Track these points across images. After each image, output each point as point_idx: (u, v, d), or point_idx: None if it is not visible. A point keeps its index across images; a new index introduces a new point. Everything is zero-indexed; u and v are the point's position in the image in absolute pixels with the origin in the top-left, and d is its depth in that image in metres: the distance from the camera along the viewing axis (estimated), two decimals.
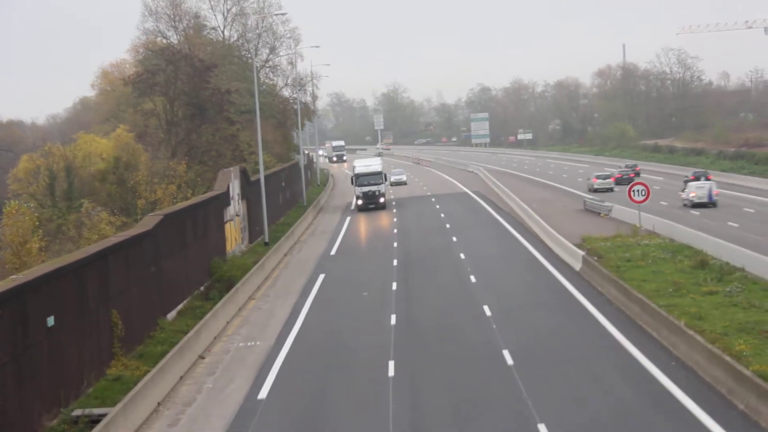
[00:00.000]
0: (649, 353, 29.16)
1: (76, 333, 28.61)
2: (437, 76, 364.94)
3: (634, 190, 52.41)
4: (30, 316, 25.41)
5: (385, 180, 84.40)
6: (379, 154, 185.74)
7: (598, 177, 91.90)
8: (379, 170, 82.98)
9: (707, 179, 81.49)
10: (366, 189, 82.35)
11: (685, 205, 71.36)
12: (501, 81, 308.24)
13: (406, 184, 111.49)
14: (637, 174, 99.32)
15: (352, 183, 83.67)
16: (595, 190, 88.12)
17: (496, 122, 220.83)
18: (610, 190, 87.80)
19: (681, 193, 74.20)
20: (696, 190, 71.80)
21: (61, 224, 55.54)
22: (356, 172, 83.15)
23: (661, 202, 72.10)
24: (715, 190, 71.98)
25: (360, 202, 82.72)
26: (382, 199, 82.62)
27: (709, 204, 70.32)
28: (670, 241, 49.52)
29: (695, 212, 65.74)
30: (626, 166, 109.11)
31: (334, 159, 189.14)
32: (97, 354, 30.29)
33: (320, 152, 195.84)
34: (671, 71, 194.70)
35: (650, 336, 31.20)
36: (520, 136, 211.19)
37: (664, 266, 42.09)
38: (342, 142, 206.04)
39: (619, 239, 50.99)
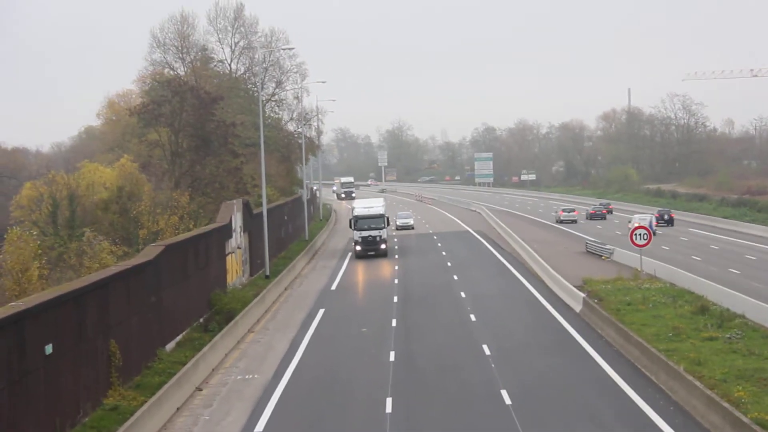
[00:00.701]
0: (647, 397, 29.07)
1: (73, 361, 28.54)
2: (442, 114, 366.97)
3: (636, 234, 52.41)
4: (28, 343, 25.36)
5: (388, 224, 76.25)
6: (383, 191, 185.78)
7: (564, 210, 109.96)
8: (382, 213, 75.02)
9: (670, 216, 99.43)
10: (366, 234, 74.18)
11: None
12: (506, 121, 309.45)
13: (413, 228, 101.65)
14: (610, 212, 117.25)
15: (351, 226, 75.64)
16: (561, 221, 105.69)
17: (499, 162, 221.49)
18: (574, 221, 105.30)
19: (628, 224, 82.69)
20: (639, 221, 78.13)
21: (62, 252, 55.57)
22: (355, 214, 75.32)
23: (663, 247, 72.10)
24: (654, 222, 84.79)
25: (358, 248, 74.36)
26: (383, 246, 74.32)
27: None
28: (671, 285, 49.48)
29: (696, 258, 65.70)
30: (600, 204, 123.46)
31: (343, 195, 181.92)
32: (94, 383, 30.20)
33: (333, 188, 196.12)
34: (676, 117, 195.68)
35: (649, 380, 31.11)
36: (523, 177, 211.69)
37: (664, 311, 42.03)
38: (351, 179, 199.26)
39: (620, 282, 50.96)
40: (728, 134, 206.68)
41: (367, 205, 77.22)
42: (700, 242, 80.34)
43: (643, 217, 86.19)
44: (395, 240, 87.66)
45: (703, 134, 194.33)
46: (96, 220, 61.01)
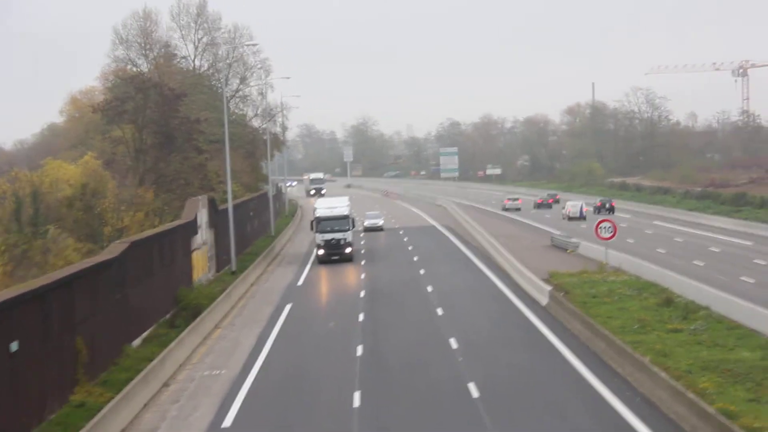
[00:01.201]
0: (614, 389, 29.26)
1: (39, 359, 28.35)
2: (407, 110, 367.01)
3: (601, 227, 52.69)
4: None
5: (354, 226, 69.61)
6: (348, 186, 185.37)
7: (509, 199, 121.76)
8: (346, 213, 67.80)
9: (611, 205, 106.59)
10: (329, 237, 67.02)
11: (563, 218, 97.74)
12: (471, 116, 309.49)
13: (383, 230, 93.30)
14: (556, 201, 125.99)
15: (312, 229, 68.70)
16: (506, 209, 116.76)
17: (465, 156, 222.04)
18: (518, 209, 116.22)
19: (562, 210, 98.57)
20: (571, 207, 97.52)
21: (26, 250, 55.08)
22: (317, 215, 67.95)
23: (628, 240, 72.61)
24: (585, 208, 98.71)
25: (321, 252, 67.31)
26: (348, 249, 67.38)
27: (580, 218, 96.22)
28: (637, 278, 49.81)
29: (661, 250, 66.21)
30: (548, 195, 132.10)
31: (312, 192, 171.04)
32: (60, 380, 30.01)
33: (291, 183, 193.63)
34: (639, 110, 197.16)
35: (615, 372, 31.32)
36: (488, 171, 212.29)
37: (629, 303, 42.31)
38: (321, 174, 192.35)
39: (586, 275, 51.24)
40: (691, 128, 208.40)
41: (330, 204, 70.11)
42: (665, 235, 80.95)
43: (575, 203, 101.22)
44: (361, 234, 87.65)
45: (667, 128, 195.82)
46: (60, 217, 60.53)
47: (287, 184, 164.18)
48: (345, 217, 67.53)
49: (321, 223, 67.34)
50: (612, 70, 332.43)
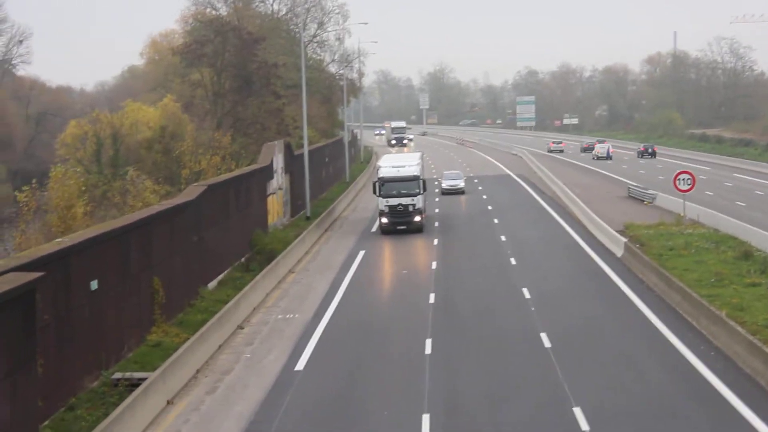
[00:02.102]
0: (688, 342, 28.98)
1: (118, 298, 28.94)
2: (485, 57, 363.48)
3: (679, 179, 51.84)
4: (73, 279, 25.73)
5: (425, 189, 57.61)
6: (424, 134, 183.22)
7: (553, 142, 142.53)
8: (416, 174, 56.54)
9: (653, 150, 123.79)
10: (394, 202, 55.80)
11: (593, 158, 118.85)
12: (549, 65, 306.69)
13: (464, 193, 78.74)
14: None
15: (375, 192, 56.83)
16: (551, 151, 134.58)
17: (542, 106, 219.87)
18: (561, 151, 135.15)
19: (591, 153, 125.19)
20: (599, 149, 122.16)
21: (106, 190, 56.08)
22: (381, 175, 56.67)
23: (706, 192, 71.51)
24: (611, 149, 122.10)
25: (384, 220, 55.99)
26: (417, 218, 55.90)
27: (607, 158, 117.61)
28: (714, 231, 49.08)
29: (741, 203, 65.05)
30: (597, 141, 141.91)
31: (393, 142, 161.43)
32: (137, 319, 30.63)
33: (380, 131, 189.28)
34: (723, 60, 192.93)
35: (690, 325, 31.00)
36: (565, 121, 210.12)
37: (707, 256, 41.73)
38: (403, 123, 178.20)
39: (663, 227, 50.63)
40: None
41: (398, 162, 59.03)
42: (745, 188, 79.49)
43: (602, 146, 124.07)
44: (435, 182, 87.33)
45: (751, 78, 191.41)
46: (139, 159, 61.45)
47: (375, 132, 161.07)
48: (415, 179, 56.13)
49: (385, 185, 55.95)
50: (695, 19, 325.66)
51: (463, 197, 76.21)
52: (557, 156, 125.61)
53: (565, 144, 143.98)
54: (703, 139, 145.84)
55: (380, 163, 59.96)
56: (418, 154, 63.95)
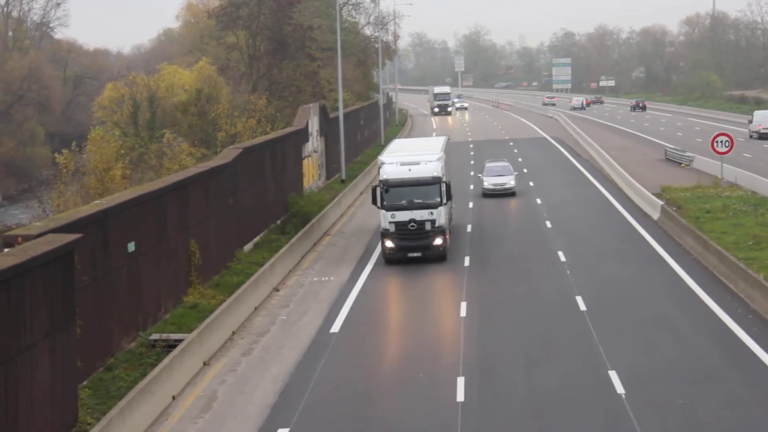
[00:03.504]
0: (725, 305, 28.84)
1: (155, 260, 29.18)
2: (520, 19, 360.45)
3: (717, 141, 51.30)
4: (111, 241, 25.95)
5: (449, 197, 39.36)
6: (459, 96, 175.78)
7: (547, 97, 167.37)
8: (436, 174, 38.36)
9: (643, 104, 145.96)
10: (404, 216, 37.68)
11: (570, 109, 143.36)
12: (585, 27, 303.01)
13: (515, 194, 54.54)
14: (600, 102, 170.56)
15: (374, 201, 38.59)
16: (545, 104, 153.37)
17: (578, 68, 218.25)
18: (554, 104, 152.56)
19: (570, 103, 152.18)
20: (575, 101, 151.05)
21: (143, 153, 56.33)
22: (384, 176, 38.55)
23: (744, 154, 70.79)
24: (586, 101, 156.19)
25: (390, 244, 37.80)
26: (438, 240, 37.65)
27: (582, 108, 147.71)
28: (753, 193, 48.67)
29: None
30: (594, 97, 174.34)
31: (436, 109, 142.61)
32: (174, 281, 30.87)
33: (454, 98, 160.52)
34: (763, 21, 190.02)
35: (727, 288, 30.83)
36: (602, 83, 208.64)
37: (744, 219, 41.42)
38: (447, 89, 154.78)
39: (700, 190, 50.26)
40: None
41: (409, 156, 39.86)
42: None
43: (578, 98, 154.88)
44: (470, 145, 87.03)
45: None
46: (175, 122, 61.60)
47: (435, 103, 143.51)
48: (435, 181, 37.99)
49: (390, 192, 37.81)
50: None
51: (495, 153, 73.07)
52: (593, 118, 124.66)
53: (558, 98, 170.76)
54: (741, 101, 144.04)
55: (383, 157, 40.11)
56: (441, 141, 44.70)
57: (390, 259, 37.93)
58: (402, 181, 37.84)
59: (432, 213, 37.46)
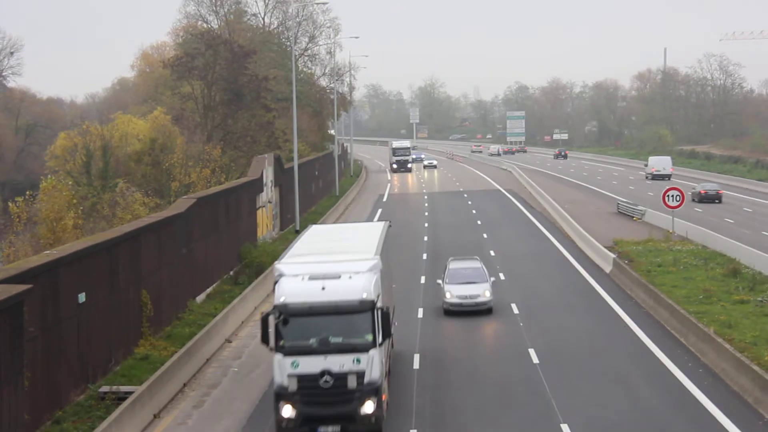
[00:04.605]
0: (676, 359, 29.04)
1: (106, 311, 28.86)
2: (475, 72, 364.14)
3: (668, 195, 51.99)
4: (61, 292, 25.65)
5: (385, 334, 24.05)
6: (413, 148, 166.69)
7: (474, 145, 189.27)
8: (365, 298, 23.65)
9: (565, 153, 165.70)
10: (312, 367, 23.26)
11: (490, 155, 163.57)
12: (539, 80, 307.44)
13: (491, 311, 37.12)
14: (523, 151, 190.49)
15: (264, 340, 23.71)
16: (473, 152, 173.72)
17: (532, 121, 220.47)
18: (480, 152, 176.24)
19: (489, 150, 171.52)
20: (492, 148, 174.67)
21: (95, 203, 55.89)
22: (280, 299, 23.70)
23: (695, 209, 71.67)
24: (503, 148, 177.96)
25: (288, 413, 23.13)
26: (368, 408, 23.16)
27: (498, 155, 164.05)
28: (703, 247, 49.20)
29: (729, 220, 65.16)
30: (517, 146, 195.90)
31: (395, 166, 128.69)
32: (125, 332, 30.54)
33: (417, 156, 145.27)
34: (712, 77, 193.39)
35: (678, 342, 31.06)
36: (555, 136, 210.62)
37: (695, 273, 41.85)
38: (407, 143, 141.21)
39: (651, 244, 50.74)
40: (765, 96, 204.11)
41: (324, 260, 26.07)
42: (734, 204, 79.70)
43: (495, 147, 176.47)
44: (425, 197, 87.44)
45: (740, 95, 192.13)
46: (129, 172, 61.27)
47: (425, 163, 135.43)
48: (364, 307, 23.81)
49: (291, 324, 23.72)
50: (685, 36, 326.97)
51: (447, 205, 75.88)
52: (548, 171, 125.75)
53: (483, 147, 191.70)
54: (692, 156, 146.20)
55: (282, 263, 25.62)
56: (378, 233, 30.55)
57: None
58: (311, 306, 23.56)
59: (359, 360, 23.32)
